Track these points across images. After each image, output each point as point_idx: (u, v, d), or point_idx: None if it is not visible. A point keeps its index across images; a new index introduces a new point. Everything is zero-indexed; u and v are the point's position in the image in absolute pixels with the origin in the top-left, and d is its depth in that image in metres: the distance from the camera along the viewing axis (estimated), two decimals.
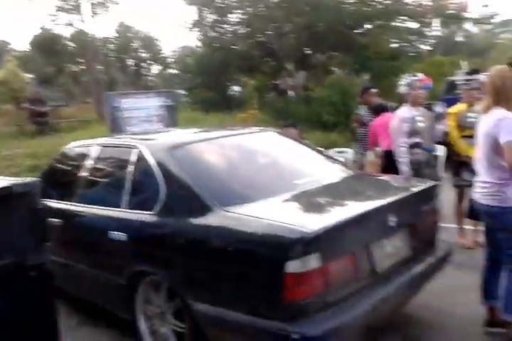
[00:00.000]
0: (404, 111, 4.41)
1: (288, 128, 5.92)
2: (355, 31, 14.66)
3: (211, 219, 2.52)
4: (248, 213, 2.48)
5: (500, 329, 2.91)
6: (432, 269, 2.94)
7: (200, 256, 2.53)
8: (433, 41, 30.74)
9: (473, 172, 4.19)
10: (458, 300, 3.43)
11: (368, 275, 2.53)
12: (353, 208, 2.66)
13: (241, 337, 2.42)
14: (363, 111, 6.34)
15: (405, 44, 17.12)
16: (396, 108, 5.15)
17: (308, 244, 2.21)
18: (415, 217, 2.93)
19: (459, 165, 4.38)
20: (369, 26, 15.55)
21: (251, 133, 3.63)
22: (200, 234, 2.57)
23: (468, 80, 4.41)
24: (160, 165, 2.86)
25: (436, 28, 20.98)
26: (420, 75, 4.50)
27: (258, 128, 3.96)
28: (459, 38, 37.98)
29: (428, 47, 26.33)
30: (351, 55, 14.44)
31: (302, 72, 15.82)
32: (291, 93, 15.78)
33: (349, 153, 6.43)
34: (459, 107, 4.69)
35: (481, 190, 2.83)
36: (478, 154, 2.88)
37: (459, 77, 4.86)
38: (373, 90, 6.11)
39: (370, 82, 6.51)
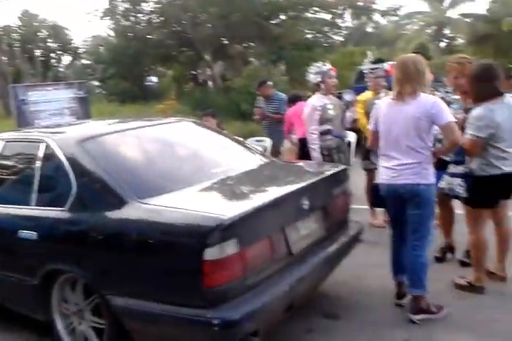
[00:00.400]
0: (316, 100, 4.56)
1: (207, 117, 5.98)
2: (270, 22, 14.83)
3: (127, 212, 2.48)
4: (165, 204, 2.48)
5: (409, 301, 3.12)
6: (345, 248, 3.10)
7: (118, 250, 2.49)
8: (345, 32, 31.88)
9: None
10: (371, 276, 3.66)
11: (284, 257, 2.62)
12: (267, 194, 2.74)
13: (162, 327, 2.41)
14: (262, 103, 6.57)
15: (318, 35, 17.61)
16: (309, 97, 5.34)
17: (224, 230, 2.25)
18: (327, 200, 3.07)
19: (368, 149, 4.62)
20: (283, 17, 15.82)
21: (167, 123, 3.59)
22: (117, 228, 2.53)
23: (373, 69, 4.61)
24: (69, 159, 2.76)
25: (347, 20, 21.77)
26: (328, 65, 4.67)
27: (175, 118, 3.92)
28: (369, 29, 39.66)
29: (340, 38, 27.29)
30: (267, 46, 14.62)
31: (220, 63, 15.81)
32: (210, 83, 15.72)
33: (267, 141, 6.55)
34: (366, 95, 4.92)
35: (404, 171, 2.93)
36: (393, 139, 2.96)
37: (365, 66, 5.07)
38: (269, 83, 6.32)
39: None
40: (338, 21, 19.90)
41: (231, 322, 2.23)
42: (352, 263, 3.35)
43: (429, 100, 2.88)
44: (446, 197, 3.68)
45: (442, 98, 3.42)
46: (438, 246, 3.90)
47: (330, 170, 3.26)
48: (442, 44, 39.84)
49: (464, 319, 2.94)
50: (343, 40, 30.50)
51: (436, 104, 2.85)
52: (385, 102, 3.10)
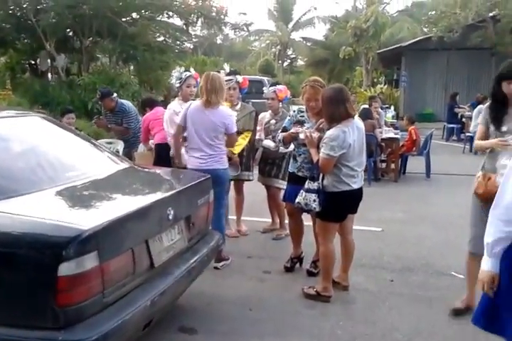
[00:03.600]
0: (176, 105, 4.48)
1: (70, 114, 5.74)
2: (123, 19, 14.22)
3: None
4: (10, 210, 2.14)
5: (224, 262, 4.02)
6: (205, 259, 3.04)
7: None
8: (195, 40, 32.17)
9: (236, 167, 4.53)
10: (225, 285, 3.68)
11: (146, 270, 2.46)
12: (131, 202, 2.56)
13: None
14: (106, 114, 6.35)
15: (168, 40, 17.48)
16: (163, 101, 5.27)
17: (83, 242, 2.01)
18: (191, 209, 2.98)
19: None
20: (136, 16, 15.32)
21: (10, 117, 3.13)
22: None
23: (227, 80, 4.63)
24: None
25: (197, 28, 22.04)
26: (193, 71, 4.62)
27: (20, 111, 3.46)
28: (219, 41, 40.73)
29: (190, 46, 27.47)
30: (118, 44, 13.97)
31: (63, 55, 14.64)
32: (52, 76, 14.46)
33: (118, 144, 6.22)
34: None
35: (208, 160, 3.83)
36: (199, 136, 3.82)
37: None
38: (113, 96, 6.09)
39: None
40: (189, 29, 20.07)
41: None
42: (206, 273, 3.30)
43: (226, 112, 3.88)
44: (296, 211, 3.87)
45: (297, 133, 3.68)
46: (288, 257, 4.08)
47: (194, 178, 3.18)
48: (285, 63, 42.83)
49: (314, 327, 3.09)
50: (192, 47, 30.77)
51: (231, 117, 3.89)
52: (194, 106, 3.87)
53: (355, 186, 3.39)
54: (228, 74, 4.64)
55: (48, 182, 2.51)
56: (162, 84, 17.53)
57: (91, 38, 14.48)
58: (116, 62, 14.89)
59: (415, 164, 8.58)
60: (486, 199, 2.84)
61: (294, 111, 3.91)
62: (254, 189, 5.19)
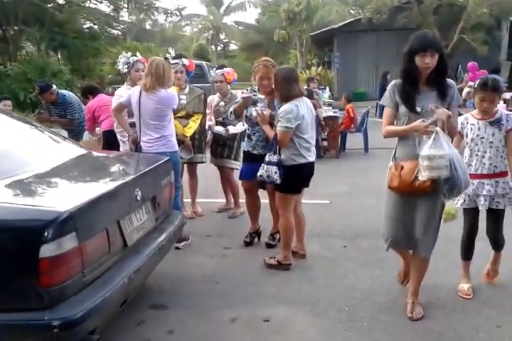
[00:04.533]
0: (124, 90, 4.48)
1: (5, 101, 5.56)
2: (49, 5, 13.63)
3: None
4: None
5: (185, 242, 4.16)
6: (172, 237, 3.16)
7: None
8: (123, 26, 31.21)
9: (189, 150, 4.63)
10: (188, 265, 3.82)
11: (120, 249, 2.55)
12: (100, 185, 2.62)
13: None
14: (47, 107, 6.22)
15: (95, 26, 16.99)
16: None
17: (62, 224, 2.08)
18: (155, 190, 3.07)
19: (177, 143, 4.70)
20: (63, 2, 14.74)
21: None
22: None
23: (173, 64, 4.67)
24: None
25: (124, 14, 21.56)
26: (139, 56, 4.62)
27: None
28: (148, 26, 39.73)
29: (118, 32, 26.69)
30: (46, 31, 13.40)
31: None
32: None
33: (63, 133, 6.09)
34: (171, 90, 5.01)
35: (155, 143, 3.92)
36: (144, 120, 3.92)
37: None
38: (52, 89, 5.97)
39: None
40: (116, 15, 19.60)
41: (72, 321, 2.08)
42: (169, 254, 3.41)
43: (168, 94, 3.94)
44: (253, 187, 4.05)
45: (249, 97, 3.84)
46: (246, 232, 4.27)
47: (156, 160, 3.26)
48: (219, 48, 42.59)
49: (279, 293, 3.31)
50: (120, 34, 29.86)
51: (173, 97, 4.00)
52: (136, 90, 3.95)
53: (311, 159, 3.62)
54: (174, 58, 4.69)
55: (12, 170, 2.52)
56: (94, 73, 17.05)
57: (16, 27, 13.78)
58: (46, 51, 14.29)
59: (354, 141, 9.01)
60: (402, 191, 2.79)
61: (247, 90, 4.05)
62: (206, 171, 5.31)
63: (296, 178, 3.58)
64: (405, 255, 3.22)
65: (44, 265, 2.03)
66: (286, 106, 3.49)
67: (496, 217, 3.18)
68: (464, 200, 3.18)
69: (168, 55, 4.70)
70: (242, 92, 4.04)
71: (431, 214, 2.83)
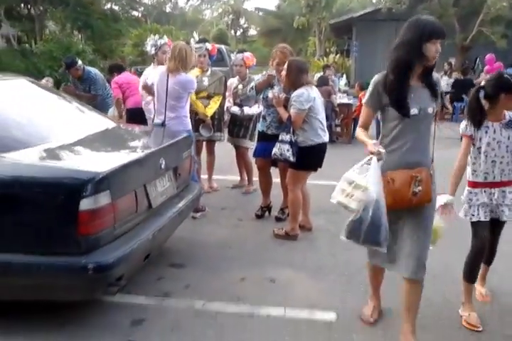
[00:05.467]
0: (150, 70, 4.79)
1: (48, 77, 5.85)
2: None
3: None
4: (32, 159, 2.51)
5: (201, 212, 4.46)
6: (190, 204, 3.49)
7: None
8: (142, 9, 31.30)
9: (209, 129, 4.94)
10: (203, 232, 4.16)
11: (145, 210, 2.89)
12: (129, 154, 2.97)
13: (35, 279, 2.45)
14: (74, 81, 6.50)
15: (120, 6, 17.24)
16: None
17: (98, 183, 2.41)
18: (177, 161, 3.40)
19: (198, 122, 5.02)
20: None
21: (3, 79, 3.41)
22: None
23: (197, 48, 4.94)
24: None
25: None
26: (166, 39, 4.92)
27: (8, 75, 3.72)
28: (168, 9, 39.88)
29: (138, 14, 26.84)
30: (70, 11, 13.72)
31: (8, 23, 14.22)
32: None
33: None
34: (195, 72, 5.29)
35: (171, 122, 4.14)
36: (162, 99, 4.14)
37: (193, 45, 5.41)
38: (78, 65, 6.21)
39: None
40: None
41: (104, 266, 2.43)
42: (185, 222, 3.73)
43: (186, 78, 4.15)
44: (265, 165, 4.36)
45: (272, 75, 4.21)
46: (258, 206, 4.59)
47: (178, 135, 3.58)
48: (238, 33, 42.59)
49: (285, 259, 3.63)
50: (140, 16, 30.00)
51: (191, 81, 4.22)
52: (160, 72, 4.19)
53: (326, 139, 3.94)
54: (198, 42, 4.97)
55: (53, 137, 2.87)
56: (115, 53, 17.37)
57: (42, 6, 14.12)
58: (71, 31, 14.63)
59: None
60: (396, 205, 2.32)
61: (264, 74, 4.33)
62: (223, 150, 5.62)
63: (312, 157, 3.91)
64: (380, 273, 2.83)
65: (83, 216, 2.37)
66: (297, 91, 3.81)
67: (501, 228, 2.87)
68: (485, 212, 2.73)
69: (192, 40, 5.00)
70: (263, 75, 4.32)
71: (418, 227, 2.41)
